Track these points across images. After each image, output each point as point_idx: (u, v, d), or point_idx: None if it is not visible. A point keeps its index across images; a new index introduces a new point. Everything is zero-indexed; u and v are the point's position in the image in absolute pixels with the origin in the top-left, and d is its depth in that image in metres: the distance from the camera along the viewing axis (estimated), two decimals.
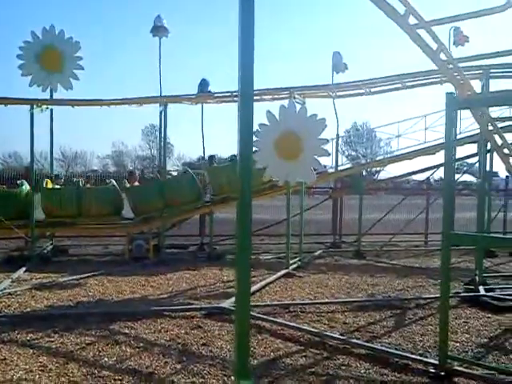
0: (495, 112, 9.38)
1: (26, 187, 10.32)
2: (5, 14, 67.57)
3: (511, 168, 7.52)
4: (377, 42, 76.57)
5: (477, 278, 7.25)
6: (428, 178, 13.61)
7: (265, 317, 5.64)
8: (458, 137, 9.99)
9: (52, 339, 4.94)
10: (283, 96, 11.50)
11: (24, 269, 8.66)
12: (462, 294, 6.86)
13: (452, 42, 8.67)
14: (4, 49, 65.90)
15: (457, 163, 9.79)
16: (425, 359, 4.40)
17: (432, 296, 6.76)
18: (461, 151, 11.36)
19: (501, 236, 10.48)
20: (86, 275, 8.14)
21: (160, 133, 12.01)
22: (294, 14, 78.66)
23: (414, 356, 4.49)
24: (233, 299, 6.00)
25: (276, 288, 7.45)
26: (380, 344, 4.89)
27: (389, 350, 4.64)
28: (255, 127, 7.18)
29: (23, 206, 9.98)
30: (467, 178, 19.01)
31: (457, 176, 11.42)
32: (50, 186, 10.71)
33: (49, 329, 5.23)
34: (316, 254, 11.02)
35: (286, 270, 8.56)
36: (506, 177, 14.66)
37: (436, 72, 9.78)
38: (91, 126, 67.68)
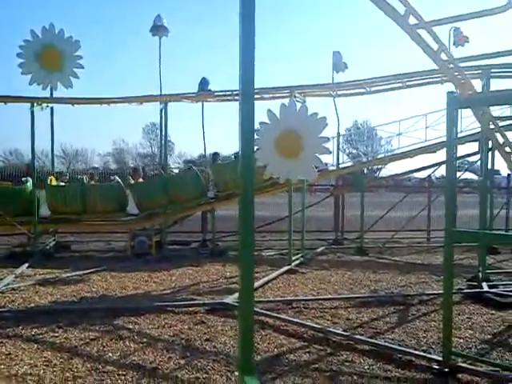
0: (496, 111, 9.36)
1: (31, 184, 10.36)
2: (5, 13, 67.59)
3: None
4: (377, 42, 76.31)
5: (480, 274, 7.24)
6: (429, 176, 13.58)
7: (268, 313, 5.64)
8: (459, 135, 9.98)
9: (56, 334, 4.95)
10: (284, 95, 11.49)
11: (27, 264, 8.69)
12: (466, 291, 6.84)
13: (452, 42, 8.65)
14: (4, 48, 65.96)
15: (458, 161, 9.75)
16: (428, 355, 4.40)
17: (435, 292, 6.76)
18: (462, 149, 11.37)
19: (503, 233, 10.45)
20: (89, 271, 8.17)
21: (161, 131, 12.02)
22: (294, 14, 78.40)
23: (417, 352, 4.48)
24: (236, 295, 6.02)
25: (279, 284, 7.45)
26: (383, 340, 4.88)
27: (392, 346, 4.64)
28: (256, 126, 7.17)
29: (28, 202, 10.03)
30: (468, 175, 18.99)
31: (458, 174, 11.39)
32: (54, 183, 10.76)
33: (53, 324, 5.25)
34: (318, 250, 11.01)
35: (289, 267, 8.57)
36: (508, 175, 14.66)
37: (437, 71, 9.78)
38: (92, 124, 67.81)
